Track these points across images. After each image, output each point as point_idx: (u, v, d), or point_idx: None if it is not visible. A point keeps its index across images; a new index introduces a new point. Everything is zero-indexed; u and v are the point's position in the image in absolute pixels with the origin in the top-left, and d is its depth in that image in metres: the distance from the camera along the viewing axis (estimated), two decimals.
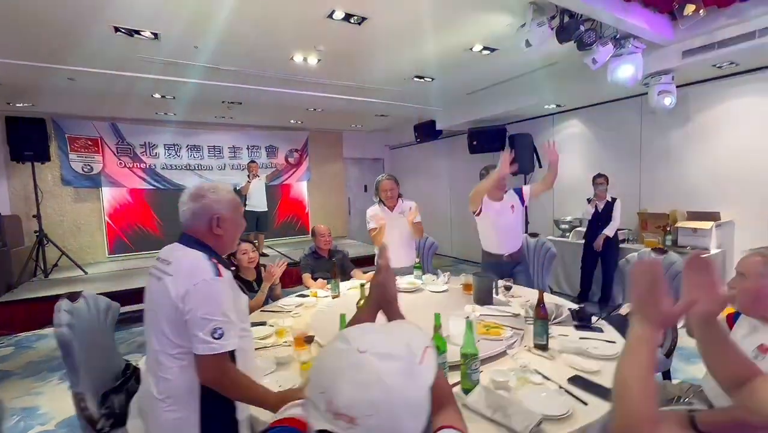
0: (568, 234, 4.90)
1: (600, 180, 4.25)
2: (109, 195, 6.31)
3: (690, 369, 2.76)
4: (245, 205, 5.71)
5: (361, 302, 1.67)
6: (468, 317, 1.35)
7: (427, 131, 6.82)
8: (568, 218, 4.97)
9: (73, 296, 1.76)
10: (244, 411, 1.23)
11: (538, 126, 5.50)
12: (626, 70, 3.24)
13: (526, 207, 3.24)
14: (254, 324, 2.02)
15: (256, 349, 1.56)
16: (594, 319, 1.81)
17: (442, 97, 5.30)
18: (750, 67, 3.48)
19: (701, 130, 3.95)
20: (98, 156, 6.10)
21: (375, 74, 4.15)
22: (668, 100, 3.52)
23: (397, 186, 3.02)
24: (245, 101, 5.31)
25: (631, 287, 0.77)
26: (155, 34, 2.94)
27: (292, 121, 7.07)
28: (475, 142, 5.74)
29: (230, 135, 7.16)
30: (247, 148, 7.34)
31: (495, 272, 2.74)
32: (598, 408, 1.19)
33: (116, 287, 4.29)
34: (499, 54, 3.64)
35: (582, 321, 1.83)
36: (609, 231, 4.10)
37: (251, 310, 2.36)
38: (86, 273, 5.31)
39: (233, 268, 2.58)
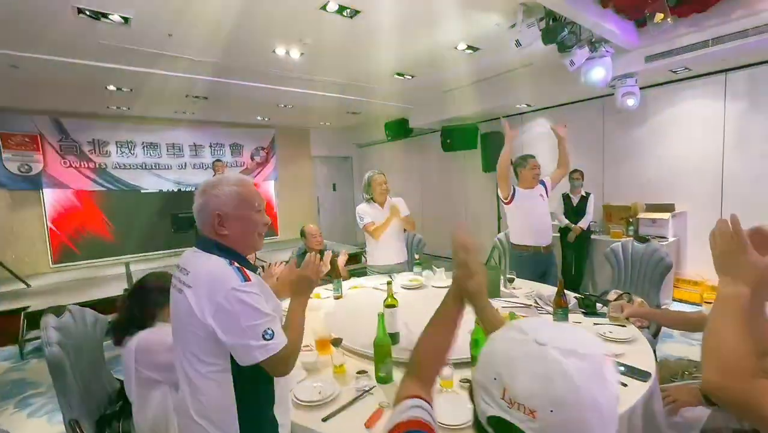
0: None
1: (576, 176, 4.50)
2: (51, 198, 5.66)
3: (664, 348, 3.02)
4: None
5: (389, 300, 1.63)
6: (513, 311, 1.36)
7: (398, 129, 6.85)
8: None
9: (58, 311, 1.55)
10: (286, 419, 1.15)
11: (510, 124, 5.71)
12: (598, 73, 3.46)
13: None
14: None
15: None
16: (598, 306, 1.91)
17: (417, 95, 5.34)
18: (700, 72, 3.86)
19: (658, 129, 4.32)
20: (38, 155, 5.45)
21: (357, 71, 4.08)
22: (632, 101, 3.81)
23: (386, 180, 3.01)
24: (212, 96, 5.01)
25: (714, 248, 0.79)
26: (125, 19, 2.67)
27: (258, 117, 6.77)
28: (449, 141, 5.84)
29: (191, 132, 6.71)
30: (210, 146, 6.93)
31: (532, 265, 2.79)
32: (638, 389, 1.25)
33: (66, 300, 3.86)
34: (480, 53, 3.74)
35: (588, 309, 1.93)
36: (583, 224, 4.36)
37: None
38: (29, 286, 4.74)
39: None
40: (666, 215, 4.06)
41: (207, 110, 5.89)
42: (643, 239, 2.71)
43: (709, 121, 3.94)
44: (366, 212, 2.99)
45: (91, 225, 5.96)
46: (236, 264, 1.07)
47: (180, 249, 6.05)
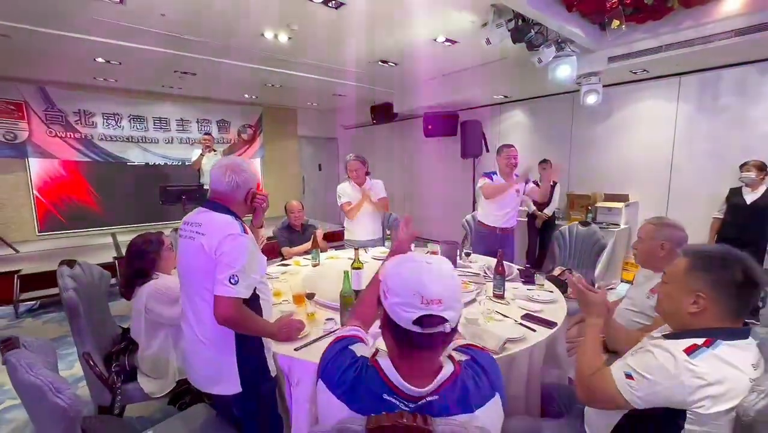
0: None
1: (544, 165, 4.84)
2: (37, 167, 5.72)
3: None
4: (199, 182, 5.48)
5: (356, 263, 1.94)
6: None
7: (383, 113, 7.06)
8: None
9: (70, 264, 1.81)
10: (270, 347, 1.47)
11: (486, 114, 6.01)
12: (564, 70, 3.75)
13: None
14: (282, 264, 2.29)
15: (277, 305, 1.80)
16: (537, 276, 2.27)
17: (402, 81, 5.55)
18: (657, 74, 4.20)
19: (620, 125, 4.68)
20: (23, 123, 5.48)
21: (342, 56, 4.28)
22: (593, 99, 4.13)
23: (363, 166, 3.29)
24: (201, 72, 5.11)
25: (579, 302, 1.31)
26: None
27: (246, 95, 6.87)
28: (430, 126, 6.10)
29: (178, 107, 6.77)
30: (197, 122, 7.01)
31: (488, 241, 3.16)
32: (543, 333, 1.60)
33: (54, 267, 4.04)
34: (458, 46, 3.98)
35: (527, 278, 2.28)
36: (549, 211, 4.74)
37: (286, 256, 2.76)
38: (17, 252, 4.88)
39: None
40: (620, 205, 4.47)
41: (195, 86, 5.96)
42: (585, 223, 3.09)
43: (663, 120, 4.31)
44: (344, 192, 3.30)
45: (78, 195, 6.06)
46: (240, 221, 1.39)
47: (167, 222, 6.24)
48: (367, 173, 3.37)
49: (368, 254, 2.94)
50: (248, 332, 1.38)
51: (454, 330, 0.80)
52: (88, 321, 1.74)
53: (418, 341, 0.77)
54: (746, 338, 1.02)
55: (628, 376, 1.01)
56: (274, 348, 1.49)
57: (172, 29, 3.39)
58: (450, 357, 0.86)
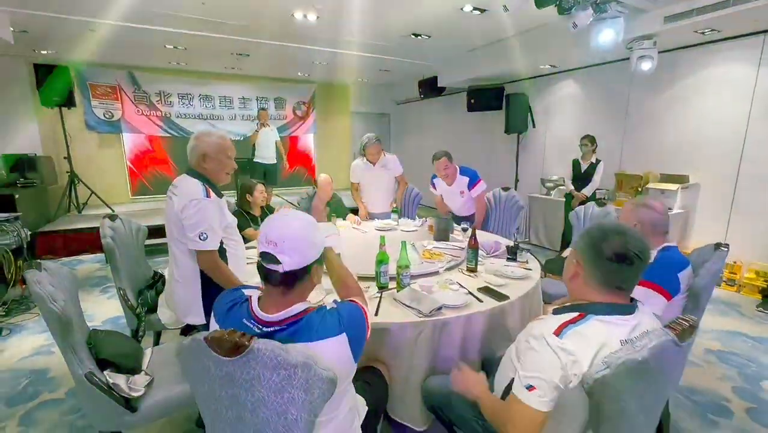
0: (552, 192, 5.23)
1: (585, 141, 4.48)
2: (129, 141, 6.80)
3: None
4: (253, 155, 5.98)
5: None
6: (406, 241, 1.79)
7: (430, 87, 6.95)
8: (554, 177, 5.27)
9: (112, 218, 2.25)
10: None
11: (535, 86, 5.62)
12: (607, 35, 3.39)
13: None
14: (250, 247, 2.57)
15: (250, 263, 2.08)
16: (521, 254, 2.24)
17: (442, 54, 5.42)
18: (731, 34, 3.57)
19: (683, 96, 4.10)
20: (117, 103, 6.50)
21: (372, 31, 4.33)
22: (647, 65, 3.67)
23: (381, 147, 3.40)
24: (253, 53, 5.55)
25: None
26: None
27: (299, 73, 7.26)
28: (472, 101, 5.91)
29: (240, 86, 7.42)
30: (257, 99, 7.62)
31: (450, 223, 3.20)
32: (488, 304, 1.65)
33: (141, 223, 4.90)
34: (489, 14, 3.79)
35: (512, 255, 2.26)
36: (587, 191, 4.41)
37: (252, 238, 2.88)
38: (113, 211, 5.93)
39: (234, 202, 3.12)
40: (674, 186, 3.99)
41: (252, 66, 6.48)
42: (600, 203, 2.87)
43: (737, 89, 3.68)
44: (355, 170, 3.50)
45: (160, 166, 7.08)
46: (206, 186, 1.64)
47: (229, 190, 7.02)
48: (381, 150, 3.46)
49: (375, 223, 3.14)
50: (220, 280, 1.67)
51: (297, 274, 0.97)
52: (123, 263, 2.19)
53: (265, 274, 0.97)
54: (628, 313, 1.00)
55: (529, 388, 0.95)
56: None
57: (213, 15, 3.76)
58: (319, 306, 1.02)
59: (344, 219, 3.37)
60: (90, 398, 1.39)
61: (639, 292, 1.55)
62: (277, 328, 0.94)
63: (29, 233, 3.60)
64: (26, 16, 3.76)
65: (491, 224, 3.52)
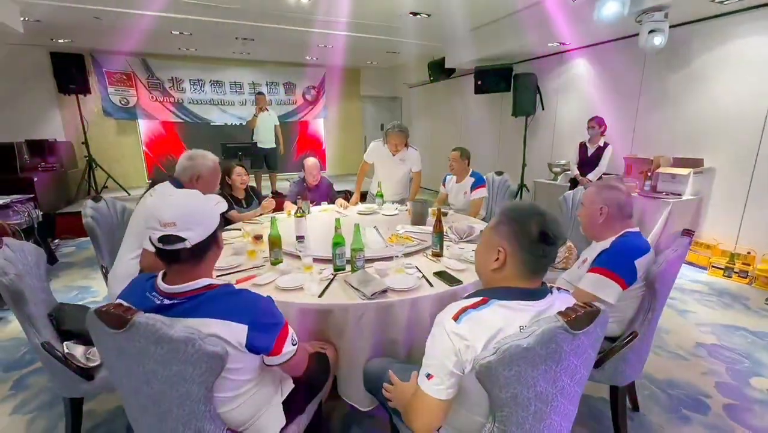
0: (559, 178, 5.03)
1: (592, 123, 4.27)
2: (145, 127, 7.04)
3: None
4: (252, 140, 5.97)
5: (298, 213, 2.14)
6: (359, 224, 1.78)
7: (439, 69, 6.77)
8: (562, 162, 5.06)
9: (96, 199, 2.35)
10: None
11: (543, 66, 5.36)
12: (611, 7, 3.18)
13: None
14: (232, 229, 2.63)
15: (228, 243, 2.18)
16: None
17: (447, 33, 5.25)
18: (754, 2, 3.25)
19: (701, 73, 3.79)
20: (132, 90, 6.72)
21: (368, 11, 4.23)
22: (659, 40, 3.40)
23: (405, 139, 3.27)
24: (257, 37, 5.56)
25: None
26: None
27: (307, 57, 7.23)
28: (479, 82, 5.70)
29: (251, 71, 7.49)
30: (267, 85, 7.67)
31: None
32: (438, 288, 1.62)
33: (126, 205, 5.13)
34: None
35: None
36: (592, 176, 4.22)
37: (236, 220, 2.94)
38: (129, 194, 6.21)
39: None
40: (686, 171, 3.74)
41: (260, 50, 6.51)
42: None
43: (758, 66, 3.37)
44: (372, 151, 3.43)
45: (174, 150, 7.30)
46: None
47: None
48: (406, 145, 3.34)
49: (358, 207, 3.17)
50: None
51: (205, 245, 0.99)
52: (106, 242, 2.29)
53: (167, 255, 0.97)
54: (535, 299, 0.96)
55: (428, 376, 0.92)
56: None
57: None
58: (225, 284, 1.03)
59: (330, 203, 3.38)
60: (49, 366, 1.49)
61: (590, 278, 1.49)
62: (176, 300, 0.96)
63: (41, 213, 3.82)
64: (33, 5, 3.91)
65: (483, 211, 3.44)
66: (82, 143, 5.95)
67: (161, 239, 0.95)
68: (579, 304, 0.89)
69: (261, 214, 3.00)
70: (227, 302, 0.98)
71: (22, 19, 4.16)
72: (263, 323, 1.00)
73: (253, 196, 3.26)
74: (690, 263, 3.88)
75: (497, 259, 1.01)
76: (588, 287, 1.49)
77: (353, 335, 1.53)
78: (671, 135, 4.10)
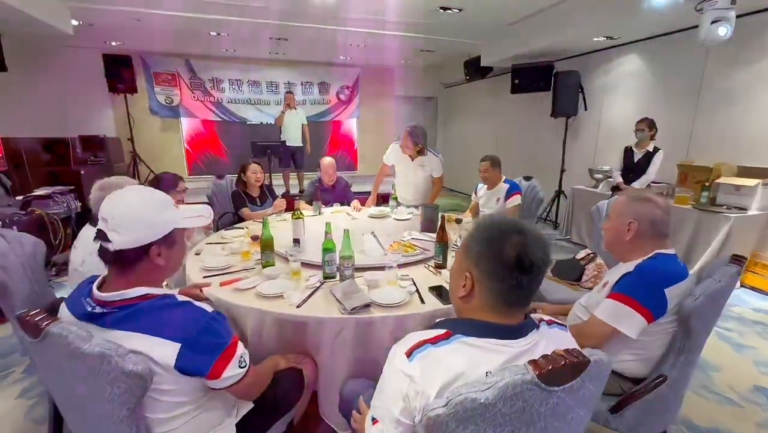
0: (600, 185, 4.60)
1: (641, 126, 3.84)
2: (186, 125, 7.37)
3: None
4: (280, 138, 6.01)
5: (296, 214, 2.05)
6: (348, 230, 1.65)
7: (475, 68, 6.48)
8: (605, 168, 4.61)
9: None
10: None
11: (588, 63, 4.93)
12: None
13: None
14: (238, 228, 2.60)
15: (227, 243, 2.10)
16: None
17: (481, 29, 4.98)
18: None
19: None
20: (176, 90, 7.06)
21: (396, 7, 4.09)
22: (723, 31, 2.96)
23: (413, 142, 3.12)
24: (290, 37, 5.61)
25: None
26: None
27: (341, 57, 7.22)
28: (516, 81, 5.37)
29: (286, 71, 7.60)
30: (301, 84, 7.76)
31: None
32: (430, 306, 1.45)
33: (193, 201, 5.33)
34: None
35: None
36: (637, 185, 3.79)
37: (248, 218, 2.93)
38: None
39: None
40: (753, 182, 3.24)
41: (293, 50, 6.58)
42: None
43: None
44: (391, 153, 3.35)
45: (213, 148, 7.60)
46: None
47: (275, 172, 7.33)
48: (420, 151, 3.16)
49: (370, 210, 3.06)
50: None
51: (131, 254, 0.90)
52: None
53: (99, 251, 0.90)
54: (512, 337, 0.77)
55: (374, 420, 0.78)
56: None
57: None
58: (164, 294, 0.94)
59: (343, 204, 3.28)
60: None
61: (608, 306, 1.25)
62: (107, 309, 0.88)
63: (80, 204, 4.06)
64: (83, 9, 4.17)
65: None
66: (128, 139, 6.33)
67: (96, 232, 0.88)
68: (563, 351, 0.69)
69: (272, 214, 2.96)
70: (161, 317, 0.89)
71: (76, 23, 4.47)
72: (200, 342, 0.89)
73: (267, 195, 3.24)
74: (754, 288, 3.36)
75: (464, 285, 0.83)
76: (604, 315, 1.25)
77: (331, 351, 1.40)
78: (736, 140, 3.58)
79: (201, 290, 1.56)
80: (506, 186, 3.04)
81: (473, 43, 5.76)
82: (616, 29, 4.09)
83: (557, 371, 0.65)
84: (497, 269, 0.78)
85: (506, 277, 0.77)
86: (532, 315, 0.88)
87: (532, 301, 0.83)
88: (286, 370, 1.33)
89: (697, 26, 3.62)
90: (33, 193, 3.75)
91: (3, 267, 1.42)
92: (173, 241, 0.97)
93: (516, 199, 2.97)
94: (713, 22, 3.00)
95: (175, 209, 0.98)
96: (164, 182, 2.36)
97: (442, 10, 4.17)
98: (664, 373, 1.23)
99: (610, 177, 4.40)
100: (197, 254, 2.02)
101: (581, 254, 2.42)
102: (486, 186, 3.15)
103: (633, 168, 3.86)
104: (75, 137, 5.68)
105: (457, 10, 4.18)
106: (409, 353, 0.76)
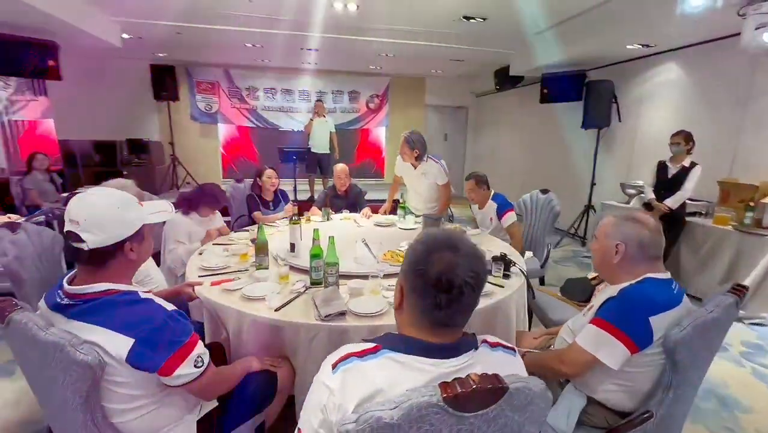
0: (632, 201, 4.32)
1: (677, 139, 3.57)
2: (223, 131, 7.77)
3: None
4: (307, 145, 6.16)
5: (293, 220, 2.09)
6: (333, 237, 1.66)
7: (505, 77, 6.36)
8: (639, 183, 4.33)
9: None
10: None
11: (623, 72, 4.68)
12: None
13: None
14: (244, 230, 2.69)
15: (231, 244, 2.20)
16: (495, 267, 1.88)
17: (508, 39, 4.88)
18: None
19: None
20: (215, 98, 7.47)
21: (419, 17, 4.11)
22: None
23: (409, 149, 3.04)
24: (319, 47, 5.78)
25: None
26: None
27: (371, 66, 7.33)
28: (545, 90, 5.20)
29: (319, 80, 7.83)
30: (332, 93, 7.96)
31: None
32: None
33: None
34: None
35: (495, 263, 1.92)
36: (671, 202, 3.52)
37: (259, 221, 3.02)
38: None
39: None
40: None
41: (325, 60, 6.77)
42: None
43: None
44: (398, 162, 3.28)
45: (246, 153, 7.95)
46: None
47: (301, 178, 7.54)
48: (417, 157, 3.05)
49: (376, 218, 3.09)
50: None
51: (105, 252, 0.95)
52: None
53: (70, 253, 0.96)
54: (442, 357, 0.74)
55: (298, 430, 0.76)
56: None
57: (263, 12, 4.01)
58: (127, 291, 0.99)
59: (352, 211, 3.31)
60: None
61: (589, 331, 1.17)
62: (72, 301, 0.94)
63: None
64: (132, 24, 4.55)
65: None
66: (169, 143, 6.77)
67: (65, 234, 0.94)
68: (478, 375, 0.66)
69: (283, 218, 3.04)
70: (119, 312, 0.94)
71: (125, 36, 4.88)
72: (153, 339, 0.93)
73: (280, 200, 3.33)
74: None
75: (397, 300, 0.82)
76: (584, 342, 1.17)
77: (305, 356, 1.41)
78: None
79: (193, 289, 1.64)
80: (495, 204, 2.89)
81: (502, 52, 5.65)
82: (650, 36, 3.86)
83: (467, 396, 0.62)
84: (419, 284, 0.76)
85: (428, 294, 0.75)
86: (478, 336, 0.84)
87: (465, 321, 0.79)
88: (259, 372, 1.35)
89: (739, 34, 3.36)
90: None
91: (19, 258, 1.56)
92: (143, 236, 1.03)
93: (511, 217, 2.81)
94: (758, 28, 2.76)
95: (140, 207, 1.05)
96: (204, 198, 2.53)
97: (465, 20, 4.14)
98: (651, 409, 1.13)
99: (643, 193, 4.12)
100: (200, 253, 2.12)
101: (593, 273, 2.28)
102: (477, 206, 3.03)
103: (666, 184, 3.60)
104: (122, 140, 6.16)
105: (481, 20, 4.13)
106: (335, 365, 0.75)
